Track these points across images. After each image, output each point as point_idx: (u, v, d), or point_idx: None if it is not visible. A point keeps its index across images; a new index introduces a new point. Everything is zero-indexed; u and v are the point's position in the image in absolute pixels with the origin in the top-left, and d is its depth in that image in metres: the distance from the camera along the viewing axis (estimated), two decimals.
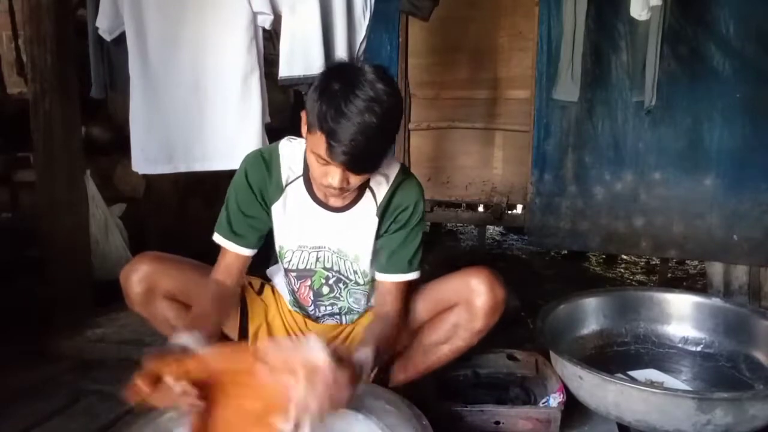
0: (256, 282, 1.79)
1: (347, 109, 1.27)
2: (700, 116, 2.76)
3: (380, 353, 1.41)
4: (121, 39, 2.20)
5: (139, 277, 1.56)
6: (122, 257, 2.69)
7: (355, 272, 1.63)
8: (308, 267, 1.63)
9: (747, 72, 2.67)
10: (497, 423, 1.59)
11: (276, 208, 1.57)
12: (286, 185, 1.56)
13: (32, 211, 2.51)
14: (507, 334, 1.79)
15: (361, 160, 1.33)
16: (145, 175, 2.78)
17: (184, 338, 1.28)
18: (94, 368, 2.06)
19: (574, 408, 1.67)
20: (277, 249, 1.63)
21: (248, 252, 1.58)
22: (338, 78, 1.32)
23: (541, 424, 1.59)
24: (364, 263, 1.61)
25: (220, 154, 2.22)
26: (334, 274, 1.64)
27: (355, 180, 1.39)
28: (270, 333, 1.73)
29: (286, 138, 1.61)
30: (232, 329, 1.71)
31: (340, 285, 1.65)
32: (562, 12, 2.41)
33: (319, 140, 1.31)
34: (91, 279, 2.47)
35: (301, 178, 1.56)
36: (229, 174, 2.13)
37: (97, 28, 2.22)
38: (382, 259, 1.59)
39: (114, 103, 3.06)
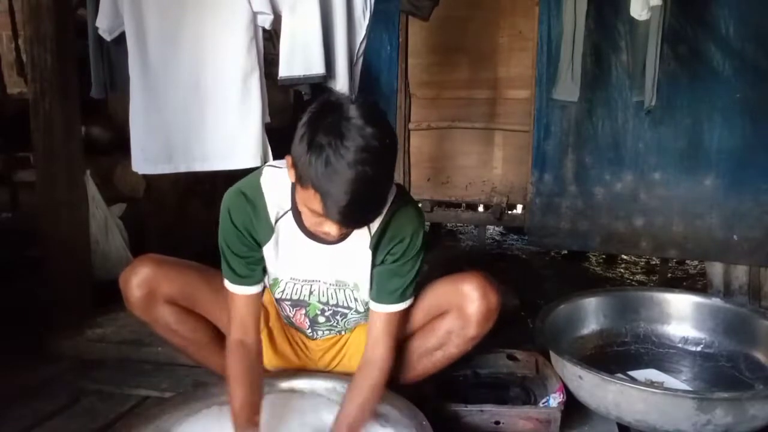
0: None
1: (338, 165, 1.18)
2: (700, 116, 2.76)
3: (360, 420, 1.43)
4: (121, 39, 2.19)
5: (139, 281, 1.54)
6: (122, 257, 2.68)
7: (356, 300, 1.58)
8: (302, 298, 1.58)
9: (747, 72, 2.67)
10: (497, 423, 1.59)
11: (268, 248, 1.51)
12: (276, 222, 1.48)
13: (32, 211, 2.50)
14: (507, 334, 1.78)
15: (359, 215, 1.27)
16: (145, 175, 2.78)
17: None
18: (94, 368, 2.05)
19: (574, 408, 1.67)
20: (270, 281, 1.58)
21: (258, 288, 1.52)
22: (323, 129, 1.21)
23: (541, 424, 1.59)
24: (365, 292, 1.56)
25: (220, 154, 2.21)
26: (330, 307, 1.59)
27: (352, 229, 1.37)
28: (271, 338, 1.72)
29: (266, 166, 1.52)
30: None
31: (337, 317, 1.62)
32: (562, 12, 2.40)
33: (314, 198, 1.23)
34: (91, 279, 2.46)
35: (290, 212, 1.48)
36: (229, 174, 2.14)
37: (97, 28, 2.22)
38: (374, 288, 1.53)
39: (114, 103, 3.06)
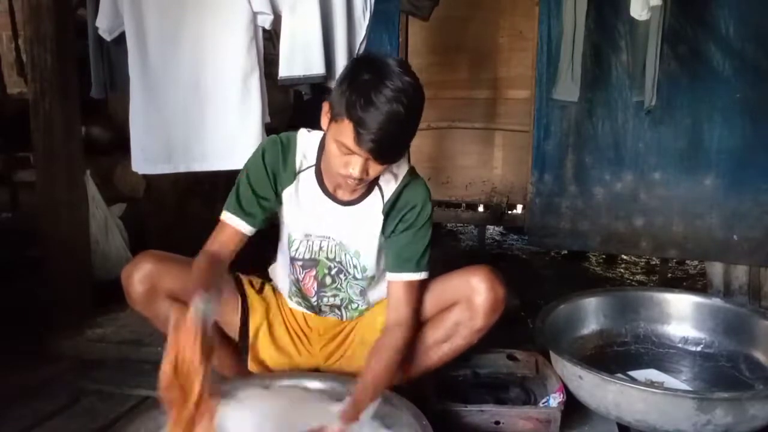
0: (257, 281, 1.79)
1: (376, 99, 1.32)
2: (700, 116, 2.76)
3: (380, 386, 1.46)
4: (121, 39, 2.20)
5: (141, 276, 1.55)
6: (122, 257, 2.68)
7: (355, 266, 1.65)
8: (313, 257, 1.65)
9: (747, 72, 2.67)
10: (497, 423, 1.59)
11: (287, 194, 1.60)
12: (299, 172, 1.60)
13: (32, 211, 2.50)
14: (507, 334, 1.79)
15: (387, 149, 1.38)
16: (145, 175, 2.78)
17: (201, 305, 1.27)
18: (94, 368, 2.05)
19: (574, 408, 1.67)
20: (285, 238, 1.66)
21: (249, 230, 1.59)
22: (367, 69, 1.37)
23: (541, 424, 1.59)
24: (365, 259, 1.63)
25: (220, 154, 2.22)
26: (336, 264, 1.65)
27: (374, 171, 1.43)
28: (271, 331, 1.72)
29: (305, 129, 1.64)
30: (232, 328, 1.70)
31: (341, 276, 1.67)
32: (562, 12, 2.41)
33: (346, 128, 1.35)
34: (91, 279, 2.46)
35: (313, 168, 1.60)
36: (229, 174, 2.14)
37: (97, 28, 2.22)
38: (390, 258, 1.62)
39: (114, 103, 3.06)
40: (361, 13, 2.18)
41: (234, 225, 1.57)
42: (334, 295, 1.70)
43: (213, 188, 3.13)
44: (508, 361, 1.87)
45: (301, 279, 1.69)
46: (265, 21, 2.15)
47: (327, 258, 1.65)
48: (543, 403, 1.67)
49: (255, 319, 1.72)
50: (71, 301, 2.36)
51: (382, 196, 1.60)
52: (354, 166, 1.39)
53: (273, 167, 1.59)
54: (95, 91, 2.36)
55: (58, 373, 2.02)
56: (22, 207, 3.23)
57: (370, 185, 1.58)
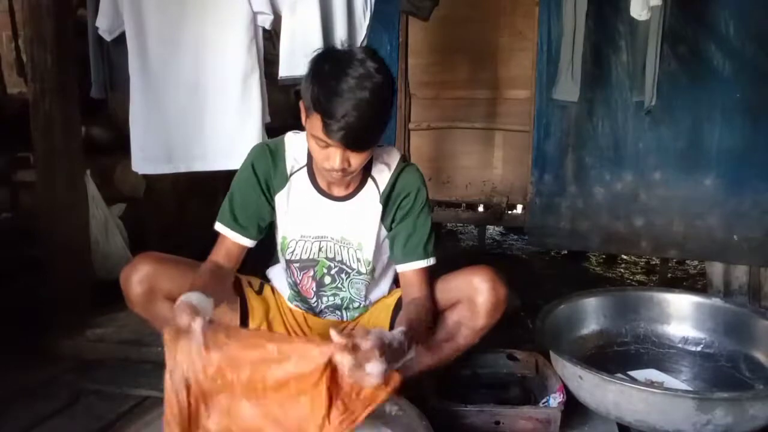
0: (256, 282, 1.80)
1: (339, 87, 1.33)
2: (700, 116, 2.76)
3: (415, 330, 1.43)
4: (121, 39, 2.20)
5: (140, 277, 1.55)
6: (122, 257, 2.68)
7: (358, 260, 1.65)
8: (311, 257, 1.65)
9: (747, 72, 2.67)
10: (497, 423, 1.59)
11: (280, 198, 1.61)
12: (291, 174, 1.61)
13: (32, 211, 2.50)
14: (507, 334, 1.79)
15: (357, 136, 1.37)
16: (145, 175, 2.78)
17: (194, 297, 1.29)
18: (94, 368, 2.05)
19: (574, 408, 1.67)
20: (280, 240, 1.65)
21: (249, 243, 1.61)
22: (328, 60, 1.39)
23: (541, 424, 1.59)
24: (368, 251, 1.64)
25: (220, 154, 2.22)
26: (336, 264, 1.66)
27: (355, 161, 1.43)
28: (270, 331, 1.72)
29: (291, 132, 1.65)
30: None
31: (342, 275, 1.67)
32: (562, 12, 2.40)
33: (316, 121, 1.37)
34: (91, 279, 2.47)
35: (305, 168, 1.61)
36: (229, 174, 2.13)
37: (97, 28, 2.22)
38: (398, 248, 1.63)
39: (114, 103, 3.06)
40: (361, 13, 2.18)
41: (232, 238, 1.59)
42: (335, 295, 1.70)
43: (213, 188, 3.13)
44: (508, 361, 1.87)
45: (299, 282, 1.69)
46: (265, 21, 2.15)
47: (326, 258, 1.65)
48: (543, 403, 1.67)
49: (255, 320, 1.72)
50: (71, 301, 2.36)
51: (377, 187, 1.62)
52: (333, 158, 1.40)
53: (264, 175, 1.60)
54: (95, 91, 2.36)
55: (58, 373, 2.02)
56: (22, 207, 3.22)
57: (363, 177, 1.60)
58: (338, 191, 1.60)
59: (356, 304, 1.73)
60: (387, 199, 1.62)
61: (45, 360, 2.09)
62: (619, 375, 1.75)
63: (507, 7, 3.58)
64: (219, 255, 1.60)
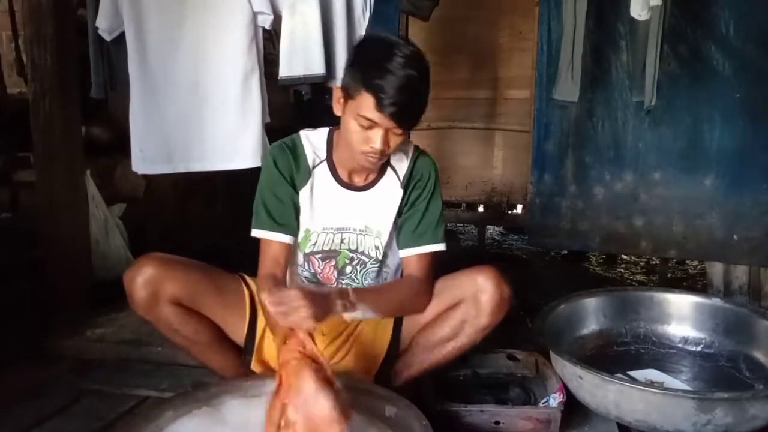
0: None
1: (390, 66, 1.39)
2: (700, 116, 2.76)
3: (373, 293, 1.55)
4: (121, 39, 2.20)
5: (144, 280, 1.54)
6: (122, 257, 2.68)
7: (376, 247, 1.69)
8: (333, 248, 1.68)
9: (747, 72, 2.67)
10: (497, 423, 1.59)
11: (303, 193, 1.64)
12: (313, 168, 1.65)
13: (32, 211, 2.50)
14: (507, 334, 1.79)
15: (408, 113, 1.44)
16: (145, 175, 2.78)
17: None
18: (94, 368, 2.05)
19: (574, 408, 1.67)
20: (302, 233, 1.67)
21: (292, 239, 1.63)
22: (373, 44, 1.49)
23: (541, 424, 1.59)
24: (384, 237, 1.69)
25: (220, 155, 2.22)
26: (357, 255, 1.70)
27: (394, 141, 1.49)
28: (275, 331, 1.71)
29: (303, 130, 1.69)
30: (239, 331, 1.69)
31: (359, 267, 1.71)
32: (562, 12, 2.41)
33: (365, 100, 1.42)
34: (91, 279, 2.46)
35: (326, 161, 1.65)
36: (229, 174, 2.13)
37: (97, 28, 2.22)
38: (406, 233, 1.68)
39: (114, 103, 3.05)
40: (361, 13, 2.18)
41: (276, 239, 1.61)
42: (348, 285, 1.71)
43: (213, 188, 3.13)
44: (508, 361, 1.87)
45: (320, 271, 1.71)
46: (265, 21, 2.15)
47: (349, 249, 1.69)
48: (543, 403, 1.67)
49: (262, 320, 1.70)
50: (71, 301, 2.36)
51: (397, 174, 1.68)
52: (375, 138, 1.46)
53: (288, 171, 1.63)
54: (95, 91, 2.36)
55: (58, 373, 2.02)
56: (22, 207, 3.22)
57: (383, 167, 1.65)
58: (359, 181, 1.66)
59: None
60: (407, 184, 1.68)
61: (45, 360, 2.09)
62: (619, 375, 1.75)
63: (507, 7, 3.58)
64: (267, 266, 1.61)
